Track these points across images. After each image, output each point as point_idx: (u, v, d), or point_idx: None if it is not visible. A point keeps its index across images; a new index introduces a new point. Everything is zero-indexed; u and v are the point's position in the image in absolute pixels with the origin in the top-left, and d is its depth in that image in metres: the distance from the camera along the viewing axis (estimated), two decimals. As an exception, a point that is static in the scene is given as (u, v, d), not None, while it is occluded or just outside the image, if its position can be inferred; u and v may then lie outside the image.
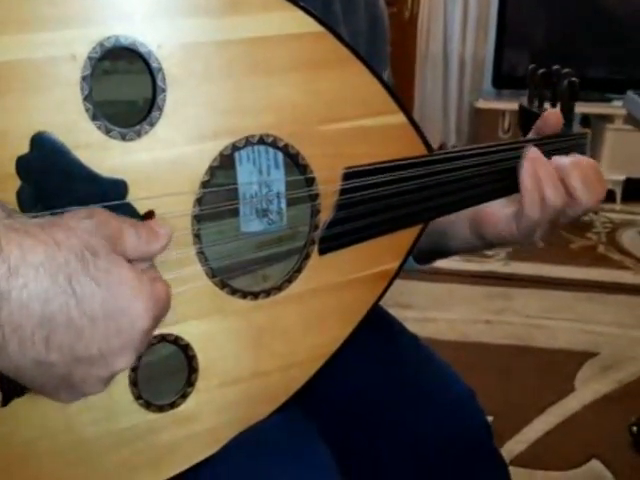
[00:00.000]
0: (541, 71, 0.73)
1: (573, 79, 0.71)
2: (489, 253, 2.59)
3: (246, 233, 0.63)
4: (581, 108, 0.74)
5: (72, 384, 0.42)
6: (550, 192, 0.65)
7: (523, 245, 0.70)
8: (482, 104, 3.39)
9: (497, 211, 0.69)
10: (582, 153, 0.71)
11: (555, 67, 0.72)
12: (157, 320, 0.44)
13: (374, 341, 0.76)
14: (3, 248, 0.38)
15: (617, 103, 3.01)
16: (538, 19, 3.34)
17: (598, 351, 2.02)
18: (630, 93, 1.50)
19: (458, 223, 0.72)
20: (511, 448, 1.60)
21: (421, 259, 0.79)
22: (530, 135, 0.71)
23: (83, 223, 0.41)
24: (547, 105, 0.74)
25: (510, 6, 3.27)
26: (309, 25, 0.53)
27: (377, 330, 0.75)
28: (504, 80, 3.34)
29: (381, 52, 0.81)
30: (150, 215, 0.49)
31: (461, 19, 3.51)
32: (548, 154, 0.68)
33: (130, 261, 0.43)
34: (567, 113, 0.70)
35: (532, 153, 0.66)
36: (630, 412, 1.63)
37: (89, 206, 0.45)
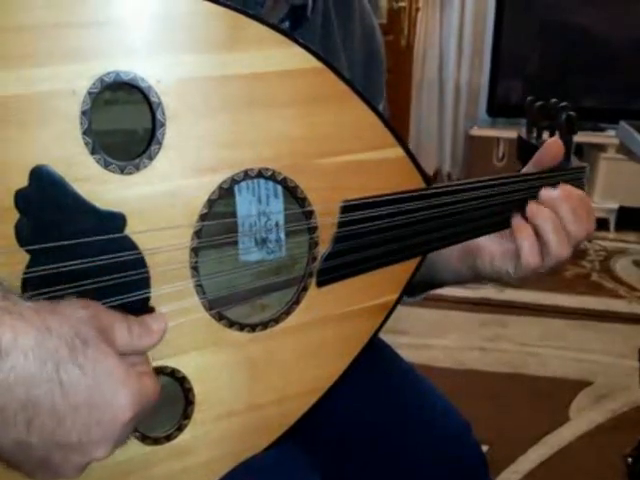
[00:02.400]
0: (538, 104, 0.74)
1: (571, 113, 0.71)
2: (483, 282, 2.59)
3: (245, 263, 0.63)
4: (574, 137, 0.74)
5: (49, 467, 0.43)
6: (554, 243, 0.65)
7: (516, 282, 0.70)
8: (477, 132, 3.42)
9: (492, 247, 0.69)
10: (580, 187, 0.72)
11: (553, 100, 0.73)
12: (140, 414, 0.44)
13: (369, 372, 0.76)
14: None
15: (610, 132, 3.05)
16: (532, 48, 3.38)
17: (592, 380, 2.01)
18: (623, 123, 1.52)
19: (450, 256, 0.72)
20: (506, 478, 1.59)
21: (411, 291, 0.79)
22: (529, 166, 0.71)
23: (78, 312, 0.42)
24: (545, 136, 0.74)
25: (505, 35, 3.31)
26: (308, 61, 0.54)
27: (373, 361, 0.75)
28: (499, 108, 3.37)
29: (378, 83, 0.82)
30: (151, 309, 0.50)
31: (456, 48, 3.55)
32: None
33: (121, 354, 0.44)
34: (565, 146, 0.70)
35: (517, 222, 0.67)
36: (624, 443, 1.62)
37: (89, 242, 0.45)
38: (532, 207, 0.67)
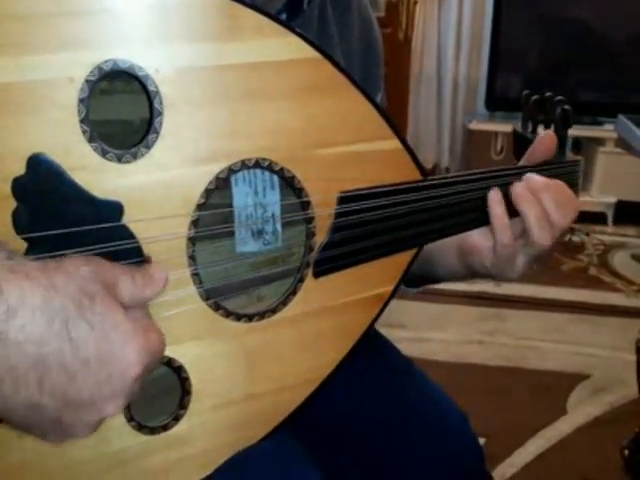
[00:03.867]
0: (534, 97, 0.74)
1: (566, 107, 0.71)
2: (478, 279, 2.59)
3: (241, 254, 0.63)
4: (573, 131, 0.74)
5: (60, 427, 0.43)
6: (535, 232, 0.65)
7: (509, 278, 0.69)
8: (475, 126, 3.41)
9: (482, 242, 0.69)
10: (574, 180, 0.72)
11: (548, 94, 0.73)
12: (148, 369, 0.44)
13: (367, 364, 0.76)
14: (3, 289, 0.38)
15: (608, 126, 3.04)
16: (531, 42, 3.37)
17: (590, 373, 2.02)
18: (621, 117, 1.52)
19: (446, 252, 0.73)
20: (503, 471, 1.60)
21: (412, 283, 0.79)
22: (524, 159, 0.72)
23: (81, 269, 0.42)
24: (541, 130, 0.74)
25: (503, 29, 3.30)
26: (305, 51, 0.54)
27: (370, 353, 0.75)
28: (497, 102, 3.37)
29: (375, 75, 0.82)
30: (148, 260, 0.50)
31: (455, 41, 3.55)
32: None
33: (126, 308, 0.44)
34: (560, 140, 0.70)
35: (493, 196, 0.66)
36: (622, 435, 1.63)
37: (86, 231, 0.45)
38: (518, 190, 0.66)
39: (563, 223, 0.66)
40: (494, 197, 0.66)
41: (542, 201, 0.65)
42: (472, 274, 0.73)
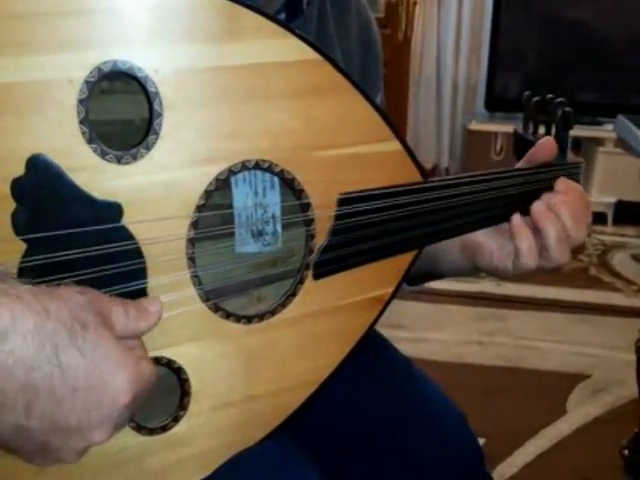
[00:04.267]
0: (535, 99, 0.73)
1: (567, 109, 0.71)
2: (482, 274, 2.59)
3: (241, 254, 0.63)
4: (572, 131, 0.74)
5: (48, 451, 0.43)
6: (555, 251, 0.66)
7: (514, 277, 0.70)
8: (475, 126, 3.42)
9: (492, 245, 0.70)
10: (576, 182, 0.72)
11: (549, 95, 0.73)
12: (138, 398, 0.44)
13: (366, 365, 0.76)
14: None
15: (608, 126, 3.04)
16: (530, 43, 3.38)
17: (590, 373, 2.02)
18: (621, 117, 1.52)
19: (449, 249, 0.73)
20: (503, 471, 1.60)
21: (411, 281, 0.79)
22: (524, 161, 0.72)
23: (75, 297, 0.42)
24: (542, 131, 0.74)
25: (503, 29, 3.31)
26: (305, 52, 0.54)
27: (369, 354, 0.75)
28: (496, 103, 3.37)
29: (374, 76, 0.82)
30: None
31: (454, 42, 3.55)
32: (542, 183, 0.68)
33: (119, 338, 0.44)
34: (561, 142, 0.70)
35: (515, 220, 0.67)
36: (621, 435, 1.63)
37: (85, 232, 0.45)
38: (539, 208, 0.67)
39: (580, 238, 0.67)
40: (517, 222, 0.67)
41: (561, 217, 0.66)
42: (475, 271, 0.73)
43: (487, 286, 2.55)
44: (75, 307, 0.42)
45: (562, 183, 0.69)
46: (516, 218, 0.67)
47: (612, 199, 3.22)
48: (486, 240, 0.70)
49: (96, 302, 0.43)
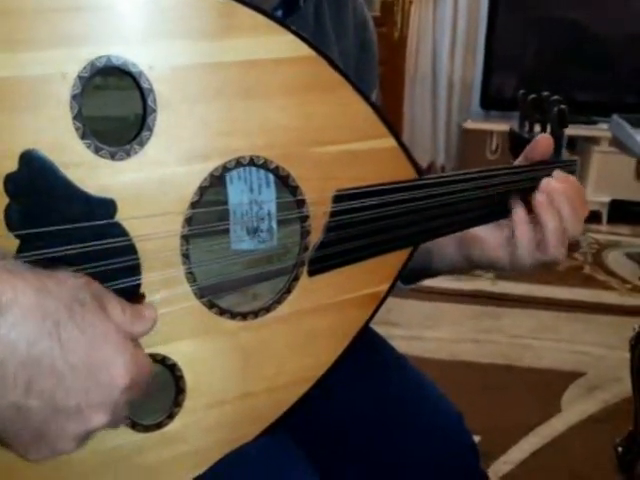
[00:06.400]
0: (531, 97, 0.73)
1: (562, 106, 0.71)
2: (477, 272, 2.60)
3: (236, 251, 0.63)
4: (567, 130, 0.74)
5: (45, 437, 0.42)
6: (553, 246, 0.66)
7: (511, 272, 0.71)
8: (470, 125, 3.42)
9: (488, 237, 0.70)
10: None
11: (545, 93, 0.73)
12: (135, 384, 0.44)
13: (362, 363, 0.76)
14: None
15: (603, 126, 3.05)
16: (526, 42, 3.38)
17: (584, 371, 2.03)
18: (615, 117, 1.52)
19: (445, 245, 0.73)
20: (498, 469, 1.60)
21: (407, 279, 0.79)
22: (520, 159, 0.72)
23: (73, 279, 0.42)
24: (537, 129, 0.74)
25: (498, 28, 3.31)
26: (301, 49, 0.54)
27: (365, 352, 0.75)
28: (492, 101, 3.38)
29: (370, 74, 0.82)
30: (140, 297, 0.50)
31: (450, 41, 3.55)
32: (538, 180, 0.68)
33: None
34: (557, 140, 0.70)
35: (518, 214, 0.67)
36: (616, 433, 1.63)
37: (79, 228, 0.45)
38: (541, 199, 0.67)
39: (577, 230, 0.67)
40: (520, 214, 0.67)
41: (561, 211, 0.66)
42: (472, 266, 0.73)
43: (483, 284, 2.56)
44: (74, 289, 0.42)
45: (559, 173, 0.69)
46: (519, 208, 0.67)
47: (607, 198, 3.23)
48: (483, 234, 0.70)
49: (93, 286, 0.43)
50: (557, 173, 0.69)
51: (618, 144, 1.54)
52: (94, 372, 0.41)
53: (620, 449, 1.61)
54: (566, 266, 2.78)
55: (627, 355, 1.56)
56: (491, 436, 1.64)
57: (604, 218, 3.26)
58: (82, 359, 0.41)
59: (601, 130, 3.08)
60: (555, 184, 0.67)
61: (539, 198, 0.67)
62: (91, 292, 0.43)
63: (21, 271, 0.40)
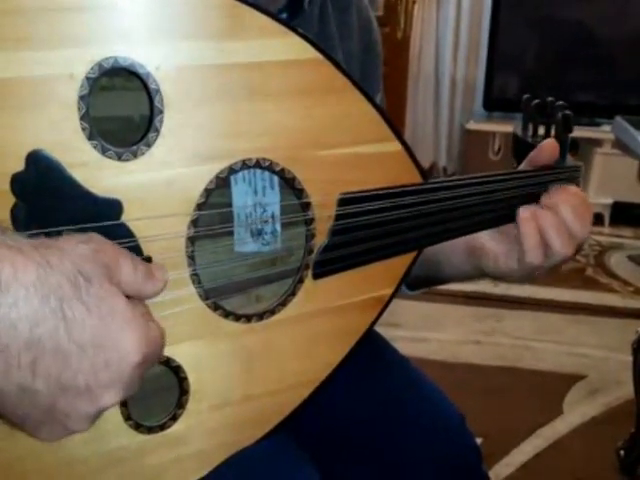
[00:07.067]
0: (535, 102, 0.73)
1: (567, 112, 0.71)
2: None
3: (240, 254, 0.63)
4: (569, 136, 0.74)
5: (55, 418, 0.40)
6: (557, 244, 0.66)
7: (520, 280, 0.71)
8: (473, 126, 3.42)
9: (497, 247, 0.70)
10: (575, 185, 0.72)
11: (550, 99, 0.73)
12: (148, 359, 0.42)
13: (364, 364, 0.76)
14: None
15: (606, 127, 3.05)
16: (529, 43, 3.38)
17: (586, 374, 2.03)
18: (618, 118, 1.52)
19: (454, 254, 0.73)
20: (500, 471, 1.60)
21: (413, 285, 0.79)
22: (524, 164, 0.71)
23: (79, 248, 0.40)
24: (541, 133, 0.74)
25: (501, 30, 3.31)
26: (306, 51, 0.54)
27: (367, 353, 0.75)
28: (495, 102, 3.37)
29: (374, 76, 0.82)
30: (148, 260, 0.49)
31: (453, 41, 3.55)
32: (542, 186, 0.68)
33: (125, 295, 0.41)
34: (561, 145, 0.70)
35: (523, 213, 0.67)
36: (617, 436, 1.63)
37: (84, 229, 0.45)
38: (535, 211, 0.67)
39: (584, 233, 0.67)
40: (525, 215, 0.67)
41: (561, 213, 0.66)
42: (481, 275, 0.73)
43: (484, 286, 2.55)
44: (78, 259, 0.39)
45: (562, 188, 0.69)
46: (524, 214, 0.67)
47: (609, 200, 3.23)
48: (491, 245, 0.70)
49: (102, 252, 0.41)
50: (553, 187, 0.69)
51: (621, 146, 1.54)
52: (102, 351, 0.39)
53: (622, 452, 1.61)
54: (568, 268, 2.78)
55: (629, 358, 1.56)
56: (493, 438, 1.65)
57: (606, 220, 3.25)
58: (89, 337, 0.38)
59: (604, 132, 3.08)
60: (549, 197, 0.68)
61: (523, 211, 0.67)
62: (99, 260, 0.40)
63: (21, 245, 0.38)
